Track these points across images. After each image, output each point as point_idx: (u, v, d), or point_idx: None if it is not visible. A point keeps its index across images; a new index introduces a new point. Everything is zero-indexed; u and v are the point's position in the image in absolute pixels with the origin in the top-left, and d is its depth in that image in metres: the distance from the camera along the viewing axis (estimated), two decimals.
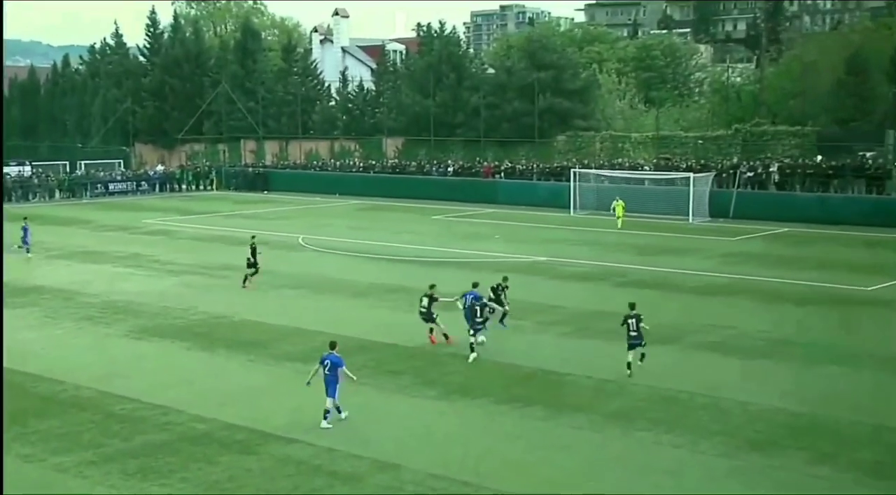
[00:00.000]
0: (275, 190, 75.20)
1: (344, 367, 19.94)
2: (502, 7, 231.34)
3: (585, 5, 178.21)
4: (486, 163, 70.30)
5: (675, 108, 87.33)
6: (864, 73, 63.42)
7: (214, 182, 79.04)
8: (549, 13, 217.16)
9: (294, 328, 28.41)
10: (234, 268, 39.33)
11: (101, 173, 78.04)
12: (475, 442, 18.91)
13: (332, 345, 20.26)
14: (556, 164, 67.17)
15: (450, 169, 70.94)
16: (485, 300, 25.51)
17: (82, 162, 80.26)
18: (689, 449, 18.46)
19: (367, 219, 57.41)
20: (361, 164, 77.28)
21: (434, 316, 25.85)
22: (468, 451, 18.40)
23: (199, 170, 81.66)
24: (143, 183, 77.42)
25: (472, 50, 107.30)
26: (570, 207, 57.87)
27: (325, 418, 19.71)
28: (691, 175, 55.02)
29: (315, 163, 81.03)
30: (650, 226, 51.45)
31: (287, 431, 19.49)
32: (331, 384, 19.72)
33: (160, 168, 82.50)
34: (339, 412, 19.94)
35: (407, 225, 53.33)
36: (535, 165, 68.04)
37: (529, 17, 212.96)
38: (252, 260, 34.99)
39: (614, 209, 52.01)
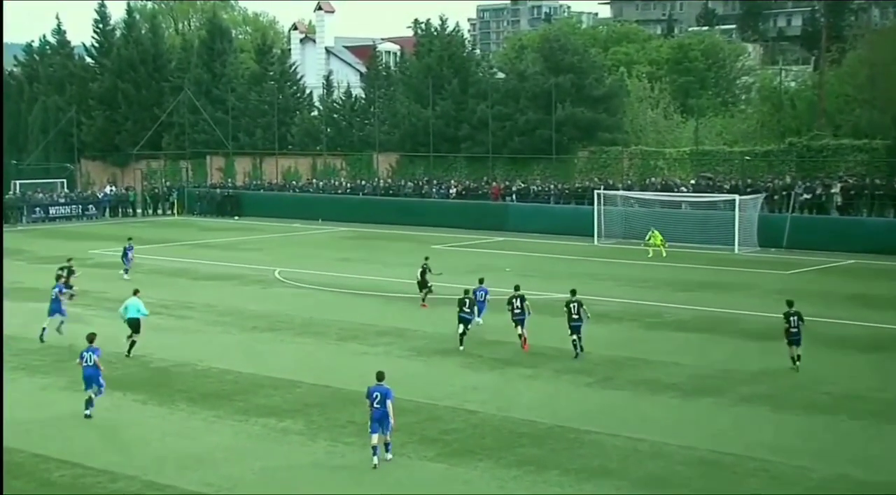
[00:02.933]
0: (247, 215, 75.30)
1: (392, 400, 20.94)
2: (514, 1, 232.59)
3: None
4: (494, 184, 70.44)
5: (717, 119, 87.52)
6: None
7: (175, 205, 79.21)
8: (569, 8, 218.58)
9: (268, 377, 28.33)
10: (198, 307, 39.37)
11: (41, 195, 78.23)
12: None
13: (380, 377, 21.40)
14: (576, 185, 67.32)
15: (452, 190, 71.10)
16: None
17: (17, 182, 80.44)
18: None
19: (355, 249, 57.38)
20: (349, 185, 77.46)
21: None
22: None
23: (156, 191, 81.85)
24: (90, 206, 77.69)
25: (478, 51, 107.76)
26: (593, 235, 57.90)
27: (375, 453, 20.84)
28: (737, 197, 55.12)
29: (294, 183, 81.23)
30: (688, 257, 51.42)
31: None
32: (382, 419, 20.91)
33: (111, 189, 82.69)
34: (387, 450, 21.09)
35: (402, 256, 53.22)
36: (552, 186, 68.18)
37: (545, 13, 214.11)
38: (423, 279, 39.01)
39: (649, 239, 51.89)
